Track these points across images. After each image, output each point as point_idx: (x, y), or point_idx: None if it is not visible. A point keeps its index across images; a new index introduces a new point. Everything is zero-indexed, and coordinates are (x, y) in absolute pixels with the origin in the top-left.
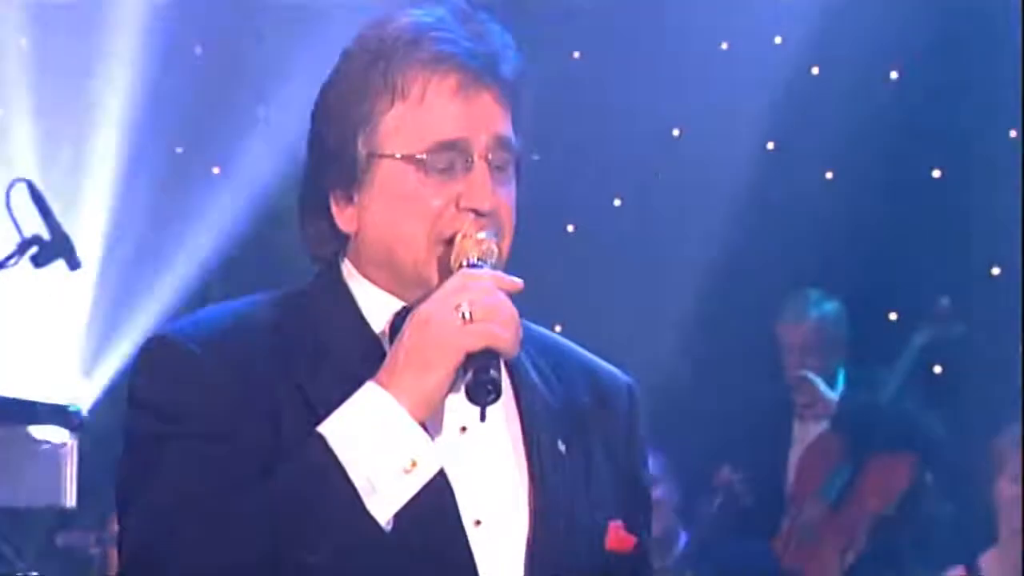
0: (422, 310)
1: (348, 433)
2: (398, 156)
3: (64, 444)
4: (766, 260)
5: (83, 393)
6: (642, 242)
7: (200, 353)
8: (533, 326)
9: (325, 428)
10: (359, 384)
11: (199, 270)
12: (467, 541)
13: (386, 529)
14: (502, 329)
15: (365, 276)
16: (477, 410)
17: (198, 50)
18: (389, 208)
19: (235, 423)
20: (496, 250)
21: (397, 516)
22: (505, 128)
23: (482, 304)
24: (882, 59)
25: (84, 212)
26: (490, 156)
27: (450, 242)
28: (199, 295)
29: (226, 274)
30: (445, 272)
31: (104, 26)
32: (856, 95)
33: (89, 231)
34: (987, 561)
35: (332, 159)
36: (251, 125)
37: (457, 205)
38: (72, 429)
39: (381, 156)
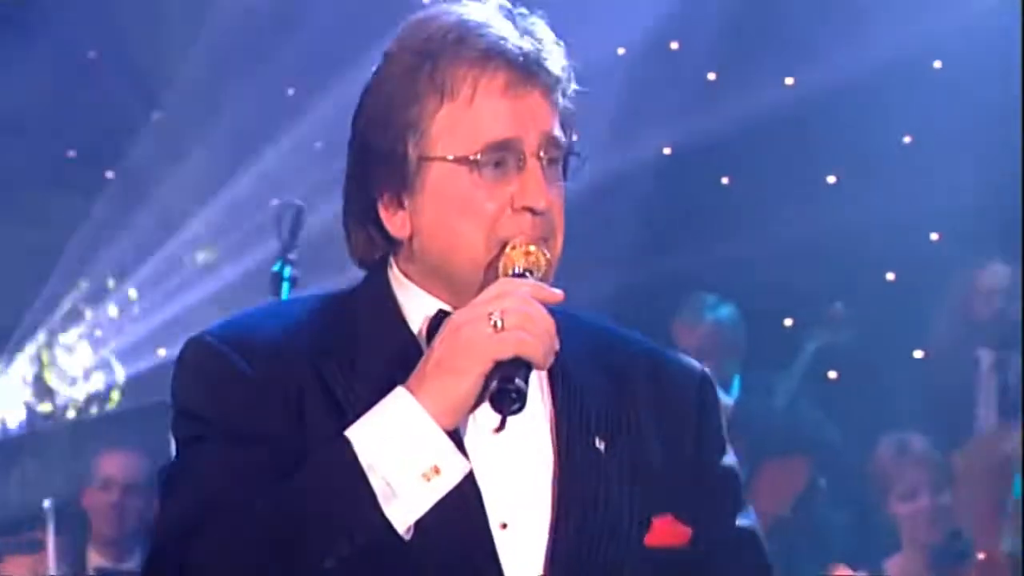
0: (455, 316)
1: (372, 437)
2: (450, 158)
3: None
4: (662, 264)
5: None
6: None
7: (231, 354)
8: (593, 317)
9: (351, 431)
10: (391, 387)
11: (91, 272)
12: (493, 546)
13: (405, 536)
14: (534, 339)
15: (414, 281)
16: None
17: (92, 54)
18: (443, 212)
19: (264, 424)
20: (544, 260)
21: (422, 518)
22: (554, 125)
23: (515, 313)
24: (777, 65)
25: None
26: (542, 154)
27: (507, 246)
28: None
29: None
30: (495, 279)
31: None
32: (752, 101)
33: None
34: (892, 566)
35: (380, 164)
36: (145, 129)
37: (512, 206)
38: None
39: (432, 159)
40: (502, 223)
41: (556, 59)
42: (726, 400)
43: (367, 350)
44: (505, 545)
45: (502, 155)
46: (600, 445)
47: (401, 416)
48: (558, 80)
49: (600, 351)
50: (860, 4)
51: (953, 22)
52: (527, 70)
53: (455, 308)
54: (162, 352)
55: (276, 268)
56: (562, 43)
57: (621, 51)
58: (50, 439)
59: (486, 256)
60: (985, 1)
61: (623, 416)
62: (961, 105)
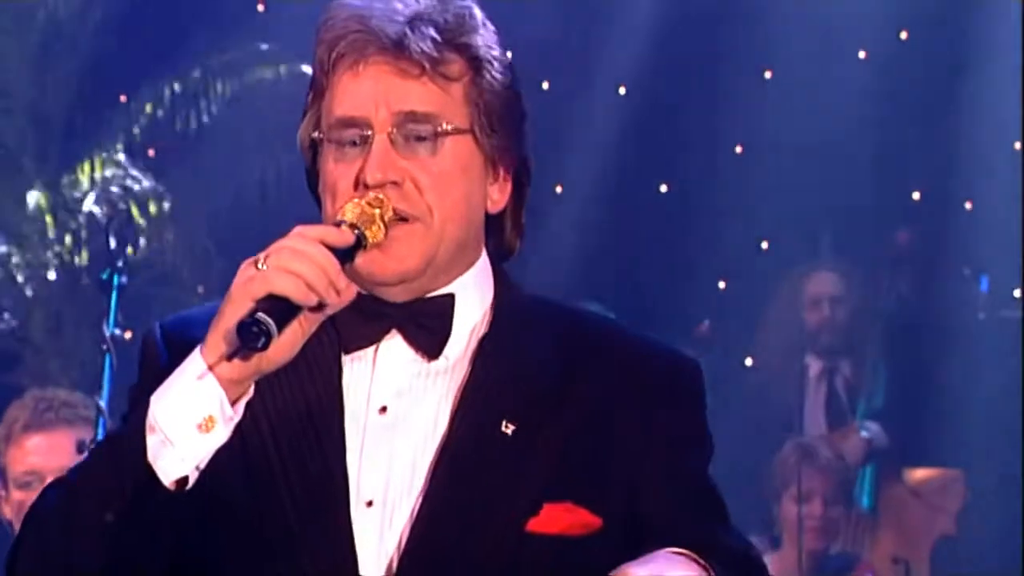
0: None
1: (160, 393)
2: (314, 136)
3: None
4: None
5: None
6: None
7: (163, 345)
8: (577, 308)
9: (155, 392)
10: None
11: None
12: (349, 522)
13: (170, 488)
14: (291, 275)
15: None
16: (399, 395)
17: None
18: (320, 192)
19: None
20: (374, 216)
21: (281, 491)
22: (411, 101)
23: (277, 252)
24: (611, 75)
25: None
26: (392, 130)
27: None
28: None
29: None
30: None
31: None
32: (585, 110)
33: None
34: (773, 560)
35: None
36: None
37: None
38: None
39: (317, 144)
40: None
41: (425, 33)
42: None
43: None
44: (365, 522)
45: (350, 132)
46: (508, 428)
47: (186, 370)
48: (430, 56)
49: (563, 339)
50: (695, 14)
51: (785, 30)
52: (381, 47)
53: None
54: None
55: (104, 276)
56: (469, 23)
57: None
58: None
59: None
60: (826, 13)
61: (556, 403)
62: (793, 113)
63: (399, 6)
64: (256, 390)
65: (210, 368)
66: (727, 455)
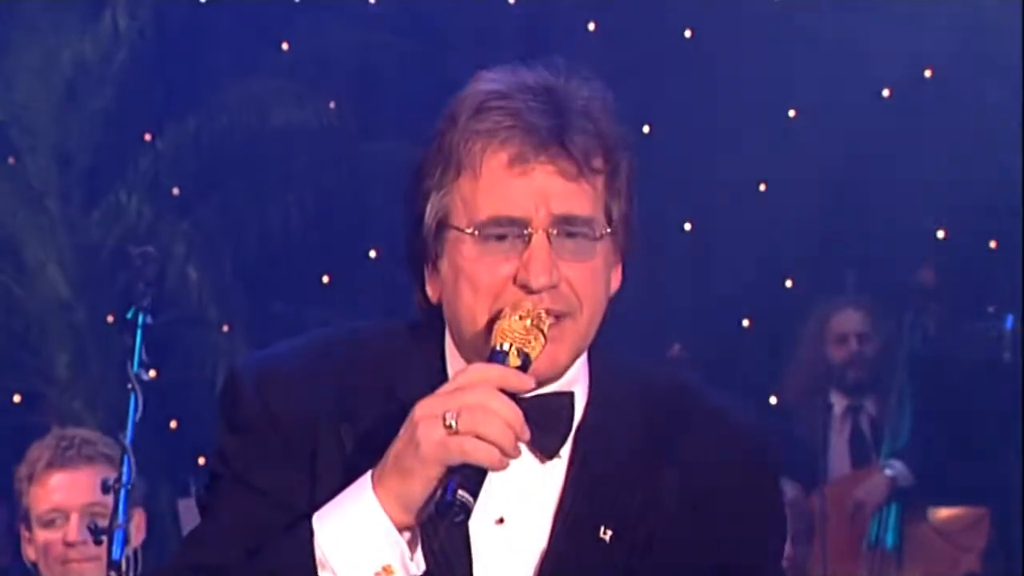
0: (416, 409)
1: (330, 529)
2: (456, 228)
3: None
4: None
5: None
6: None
7: (256, 398)
8: (661, 372)
9: (316, 518)
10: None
11: None
12: None
13: None
14: (487, 443)
15: (455, 344)
16: (516, 501)
17: None
18: (454, 280)
19: (273, 477)
20: (535, 334)
21: None
22: (570, 203)
23: (470, 411)
24: (635, 112)
25: None
26: (552, 231)
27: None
28: None
29: None
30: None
31: None
32: None
33: None
34: None
35: (410, 228)
36: None
37: (515, 281)
38: None
39: (448, 227)
40: (503, 297)
41: (583, 130)
42: None
43: (399, 397)
44: None
45: (504, 230)
46: (606, 535)
47: (360, 509)
48: (586, 154)
49: (655, 417)
50: (718, 54)
51: (808, 68)
52: (539, 145)
53: None
54: None
55: (129, 315)
56: (608, 113)
57: None
58: None
59: (486, 328)
60: (849, 52)
61: (650, 500)
62: (817, 150)
63: (550, 93)
64: None
65: (399, 528)
66: None
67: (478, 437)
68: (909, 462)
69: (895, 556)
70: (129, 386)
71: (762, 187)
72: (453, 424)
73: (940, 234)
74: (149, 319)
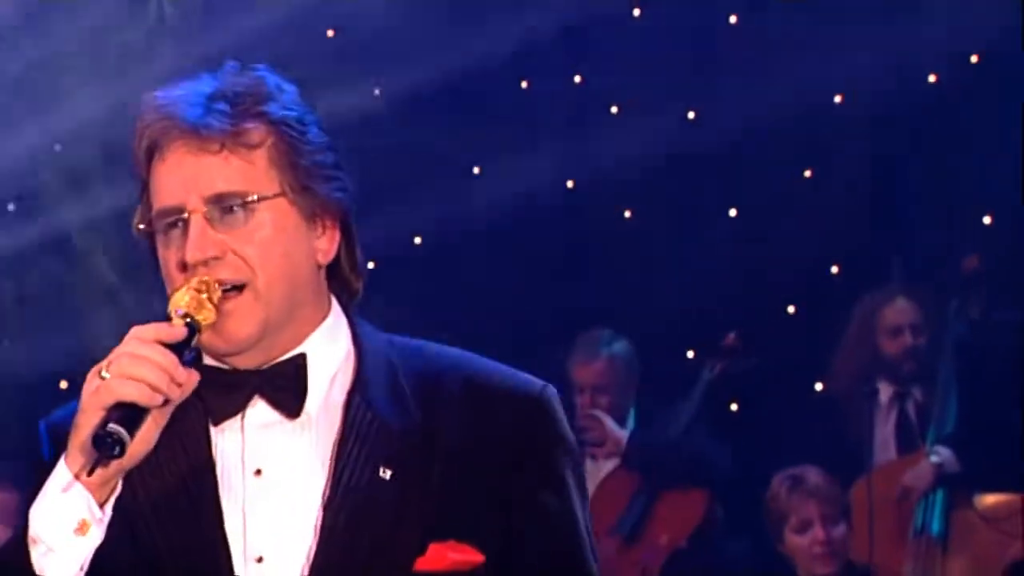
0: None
1: (37, 505)
2: (141, 228)
3: None
4: (564, 298)
5: None
6: (440, 279)
7: (48, 441)
8: (424, 344)
9: (33, 505)
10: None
11: None
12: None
13: None
14: (132, 382)
15: None
16: (271, 450)
17: None
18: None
19: None
20: (200, 301)
21: (165, 561)
22: (221, 182)
23: (118, 359)
24: (680, 99)
25: None
26: (206, 210)
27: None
28: None
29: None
30: None
31: None
32: (654, 134)
33: None
34: None
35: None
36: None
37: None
38: None
39: (147, 231)
40: (181, 281)
41: (225, 111)
42: (619, 432)
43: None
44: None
45: (170, 219)
46: (385, 474)
47: (54, 480)
48: (230, 132)
49: (419, 377)
50: (764, 40)
51: (855, 54)
52: (183, 131)
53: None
54: None
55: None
56: (267, 91)
57: (524, 84)
58: None
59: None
60: (896, 37)
61: (426, 444)
62: (863, 137)
63: (198, 89)
64: (131, 478)
65: (76, 477)
66: None
67: (128, 379)
68: (955, 449)
69: (941, 543)
70: None
71: (807, 173)
72: (106, 375)
73: (987, 220)
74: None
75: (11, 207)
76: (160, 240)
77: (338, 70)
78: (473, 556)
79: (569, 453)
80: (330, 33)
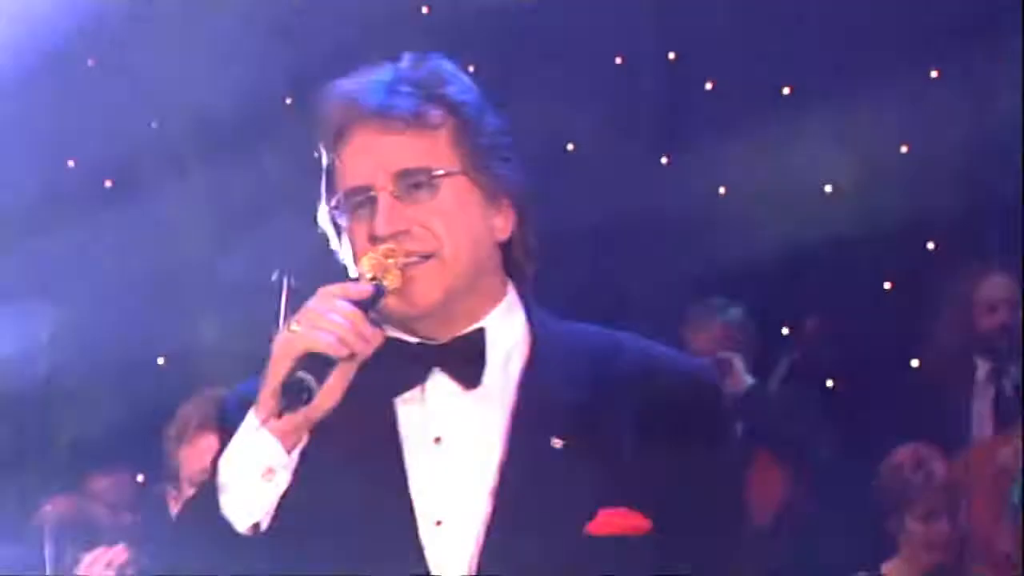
0: None
1: (226, 455)
2: (332, 210)
3: None
4: (658, 275)
5: None
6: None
7: (237, 412)
8: (596, 328)
9: (222, 456)
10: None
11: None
12: (419, 540)
13: (244, 531)
14: (321, 332)
15: None
16: (450, 420)
17: (91, 62)
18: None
19: None
20: (389, 265)
21: (354, 516)
22: (407, 159)
23: (307, 314)
24: (775, 74)
25: None
26: (393, 187)
27: None
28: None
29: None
30: None
31: None
32: (749, 110)
33: None
34: (890, 569)
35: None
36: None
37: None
38: None
39: (334, 217)
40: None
41: (408, 93)
42: (746, 377)
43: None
44: (436, 540)
45: (359, 198)
46: (558, 443)
47: (244, 431)
48: (414, 113)
49: (593, 358)
50: (856, 13)
51: (950, 28)
52: (369, 115)
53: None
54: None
55: (274, 278)
56: (447, 76)
57: (619, 60)
58: None
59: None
60: (984, 5)
61: (598, 418)
62: (959, 111)
63: (380, 76)
64: (316, 439)
65: (263, 423)
66: None
67: (317, 329)
68: None
69: None
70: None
71: (904, 148)
72: (296, 327)
73: None
74: (293, 281)
75: (108, 184)
76: (348, 218)
77: (431, 48)
78: (641, 522)
79: (732, 428)
80: (424, 10)
